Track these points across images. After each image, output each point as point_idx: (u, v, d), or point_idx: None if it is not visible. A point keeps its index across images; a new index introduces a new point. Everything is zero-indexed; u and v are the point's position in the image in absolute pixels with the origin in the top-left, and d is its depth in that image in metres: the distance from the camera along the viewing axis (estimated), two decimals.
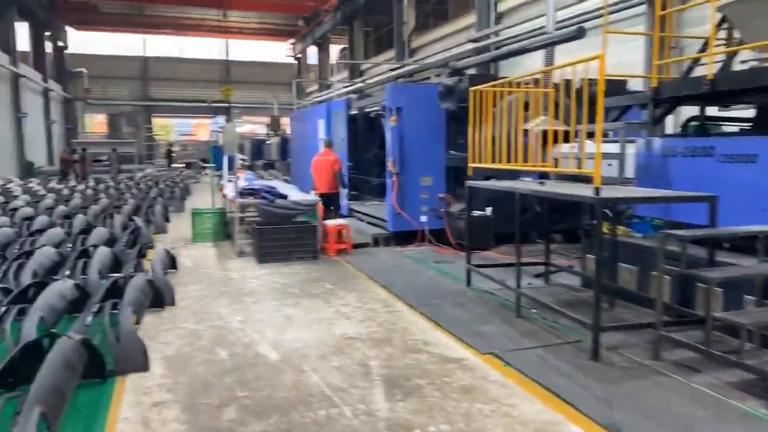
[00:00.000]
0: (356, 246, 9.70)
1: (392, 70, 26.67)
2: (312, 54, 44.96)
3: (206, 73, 46.36)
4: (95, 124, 47.90)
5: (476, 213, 9.50)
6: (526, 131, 9.87)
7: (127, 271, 6.84)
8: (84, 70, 41.41)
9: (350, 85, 29.71)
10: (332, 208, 10.52)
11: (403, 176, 9.76)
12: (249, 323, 5.72)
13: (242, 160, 10.55)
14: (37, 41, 33.95)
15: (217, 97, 42.76)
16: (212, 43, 46.51)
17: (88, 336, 4.45)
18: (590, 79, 5.91)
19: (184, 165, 36.04)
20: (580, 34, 7.41)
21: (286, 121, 40.90)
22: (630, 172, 6.96)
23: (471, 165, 7.07)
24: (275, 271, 8.09)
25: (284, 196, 9.27)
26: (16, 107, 28.28)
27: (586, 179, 7.15)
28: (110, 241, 8.91)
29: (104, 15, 41.43)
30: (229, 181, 11.94)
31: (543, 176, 7.32)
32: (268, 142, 34.01)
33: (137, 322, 5.29)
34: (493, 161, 7.06)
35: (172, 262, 8.02)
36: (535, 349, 4.97)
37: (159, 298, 6.15)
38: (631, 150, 6.95)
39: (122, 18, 42.46)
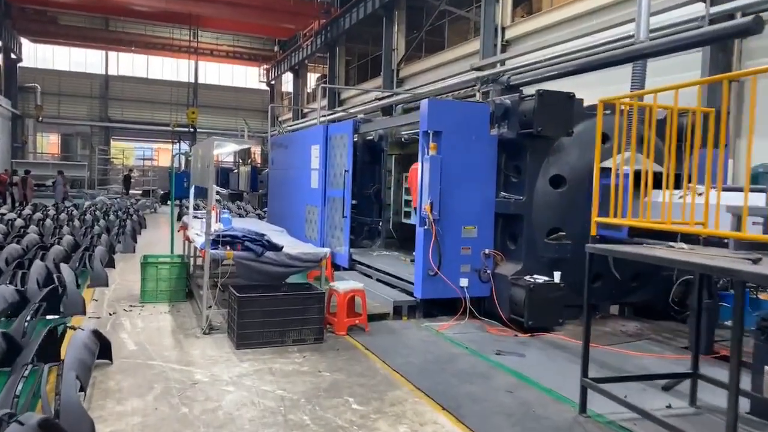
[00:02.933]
0: (371, 317, 6.97)
1: (380, 99, 24.42)
2: (286, 81, 42.59)
3: (172, 96, 43.36)
4: (49, 144, 44.08)
5: (539, 279, 6.93)
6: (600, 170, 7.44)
7: (16, 383, 3.95)
8: (37, 85, 38.01)
9: (331, 113, 27.24)
10: None
11: (439, 224, 7.13)
12: None
13: (218, 193, 7.74)
14: None
15: (182, 121, 39.76)
16: (180, 65, 43.61)
17: None
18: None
19: (140, 193, 32.58)
20: (756, 26, 5.00)
21: (255, 150, 38.32)
22: None
23: (596, 219, 4.45)
24: (264, 367, 5.28)
25: (278, 247, 6.52)
26: None
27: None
28: (16, 308, 6.00)
29: (64, 28, 38.34)
30: (195, 217, 9.15)
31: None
32: (235, 170, 31.18)
33: None
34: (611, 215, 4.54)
35: (103, 349, 5.14)
36: None
37: None
38: None
39: (84, 32, 39.39)
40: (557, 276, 6.93)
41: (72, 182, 33.36)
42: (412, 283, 7.60)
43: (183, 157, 25.15)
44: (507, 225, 7.49)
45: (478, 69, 18.20)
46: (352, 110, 26.73)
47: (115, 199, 26.69)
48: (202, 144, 7.43)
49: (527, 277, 6.99)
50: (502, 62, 17.73)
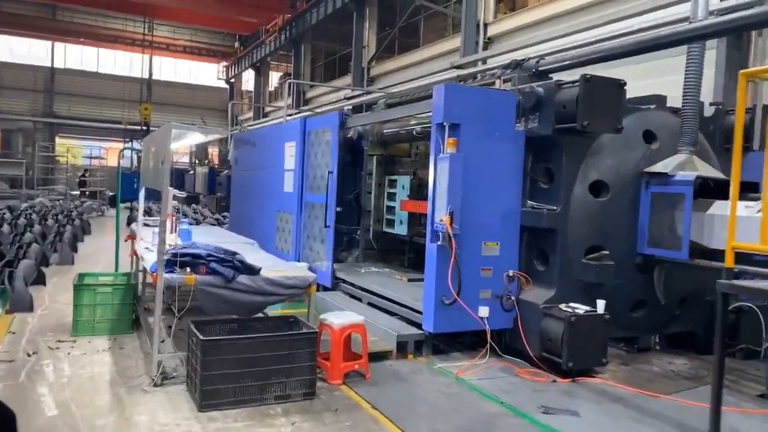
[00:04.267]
0: (370, 357, 5.48)
1: (349, 98, 22.96)
2: (247, 80, 40.63)
3: (124, 92, 40.66)
4: None
5: (580, 309, 5.60)
6: (649, 176, 6.20)
7: None
8: None
9: (297, 113, 25.61)
10: None
11: (456, 240, 5.73)
12: None
13: (175, 197, 6.13)
14: None
15: (134, 118, 37.30)
16: (133, 59, 41.03)
17: None
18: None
19: (86, 194, 30.23)
20: None
21: (212, 150, 36.26)
22: None
23: (734, 245, 3.10)
24: None
25: (255, 270, 4.98)
26: None
27: None
28: None
29: (5, 15, 35.43)
30: (146, 224, 7.53)
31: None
32: (191, 171, 29.28)
33: None
34: None
35: (5, 424, 3.52)
36: None
37: None
38: None
39: (28, 21, 36.52)
40: (601, 305, 5.61)
41: (12, 182, 30.79)
42: (417, 311, 6.17)
43: (134, 155, 23.07)
44: (535, 241, 6.14)
45: (459, 67, 17.05)
46: (318, 110, 25.22)
47: (58, 201, 24.38)
48: (154, 135, 5.85)
49: (564, 306, 5.65)
50: (484, 60, 16.64)
